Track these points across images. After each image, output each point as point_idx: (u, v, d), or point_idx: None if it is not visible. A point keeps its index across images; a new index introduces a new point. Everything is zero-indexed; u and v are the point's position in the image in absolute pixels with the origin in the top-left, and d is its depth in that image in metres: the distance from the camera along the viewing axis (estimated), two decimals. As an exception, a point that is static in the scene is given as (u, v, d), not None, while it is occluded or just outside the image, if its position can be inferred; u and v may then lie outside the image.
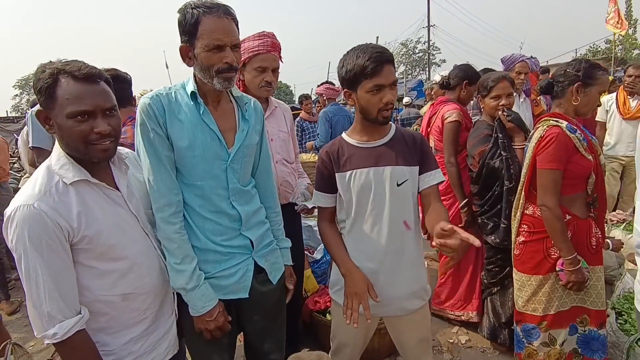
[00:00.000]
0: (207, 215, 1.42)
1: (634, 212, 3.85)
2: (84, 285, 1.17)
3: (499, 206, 2.33)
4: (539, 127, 1.94)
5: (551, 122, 1.89)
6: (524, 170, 2.00)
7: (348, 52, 1.47)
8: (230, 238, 1.46)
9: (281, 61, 2.07)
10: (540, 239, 1.95)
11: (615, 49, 13.62)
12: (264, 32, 1.99)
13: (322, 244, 3.30)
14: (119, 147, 1.29)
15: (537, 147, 1.87)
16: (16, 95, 39.96)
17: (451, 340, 2.76)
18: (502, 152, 2.28)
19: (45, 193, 1.10)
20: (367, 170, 1.48)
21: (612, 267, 3.04)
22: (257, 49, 1.95)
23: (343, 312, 1.45)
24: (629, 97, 4.01)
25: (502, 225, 2.32)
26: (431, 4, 31.56)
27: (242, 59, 1.94)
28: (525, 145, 2.29)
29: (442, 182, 1.54)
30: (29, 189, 1.11)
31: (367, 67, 1.37)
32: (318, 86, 5.43)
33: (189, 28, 1.30)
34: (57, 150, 1.19)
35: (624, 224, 3.44)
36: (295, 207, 2.13)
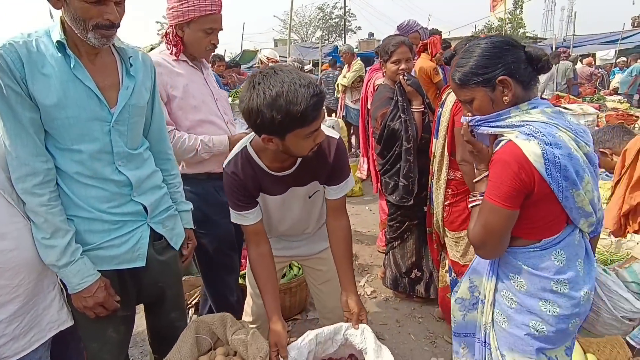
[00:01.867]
0: (88, 182, 1.28)
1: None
2: None
3: (398, 165, 2.49)
4: (450, 92, 2.09)
5: None
6: (442, 133, 2.14)
7: (260, 92, 1.18)
8: (119, 205, 1.34)
9: None
10: (463, 198, 2.18)
11: (505, 27, 15.14)
12: None
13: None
14: None
15: (456, 107, 2.04)
16: None
17: (358, 293, 2.97)
18: (401, 115, 2.41)
19: None
20: (281, 195, 1.51)
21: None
22: (209, 8, 1.74)
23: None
24: None
25: (401, 183, 2.49)
26: (347, -31, 31.42)
27: (189, 16, 1.73)
28: (422, 109, 2.47)
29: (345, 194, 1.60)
30: None
31: (307, 116, 1.18)
32: None
33: None
34: None
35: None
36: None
